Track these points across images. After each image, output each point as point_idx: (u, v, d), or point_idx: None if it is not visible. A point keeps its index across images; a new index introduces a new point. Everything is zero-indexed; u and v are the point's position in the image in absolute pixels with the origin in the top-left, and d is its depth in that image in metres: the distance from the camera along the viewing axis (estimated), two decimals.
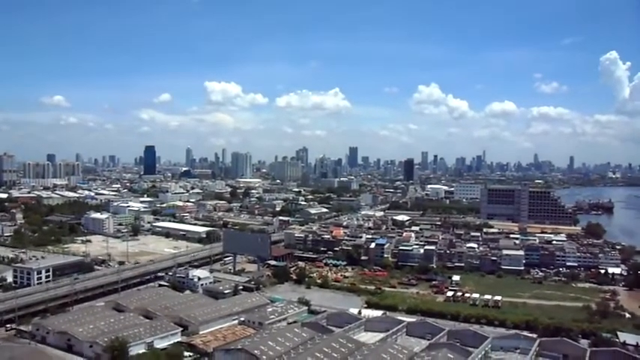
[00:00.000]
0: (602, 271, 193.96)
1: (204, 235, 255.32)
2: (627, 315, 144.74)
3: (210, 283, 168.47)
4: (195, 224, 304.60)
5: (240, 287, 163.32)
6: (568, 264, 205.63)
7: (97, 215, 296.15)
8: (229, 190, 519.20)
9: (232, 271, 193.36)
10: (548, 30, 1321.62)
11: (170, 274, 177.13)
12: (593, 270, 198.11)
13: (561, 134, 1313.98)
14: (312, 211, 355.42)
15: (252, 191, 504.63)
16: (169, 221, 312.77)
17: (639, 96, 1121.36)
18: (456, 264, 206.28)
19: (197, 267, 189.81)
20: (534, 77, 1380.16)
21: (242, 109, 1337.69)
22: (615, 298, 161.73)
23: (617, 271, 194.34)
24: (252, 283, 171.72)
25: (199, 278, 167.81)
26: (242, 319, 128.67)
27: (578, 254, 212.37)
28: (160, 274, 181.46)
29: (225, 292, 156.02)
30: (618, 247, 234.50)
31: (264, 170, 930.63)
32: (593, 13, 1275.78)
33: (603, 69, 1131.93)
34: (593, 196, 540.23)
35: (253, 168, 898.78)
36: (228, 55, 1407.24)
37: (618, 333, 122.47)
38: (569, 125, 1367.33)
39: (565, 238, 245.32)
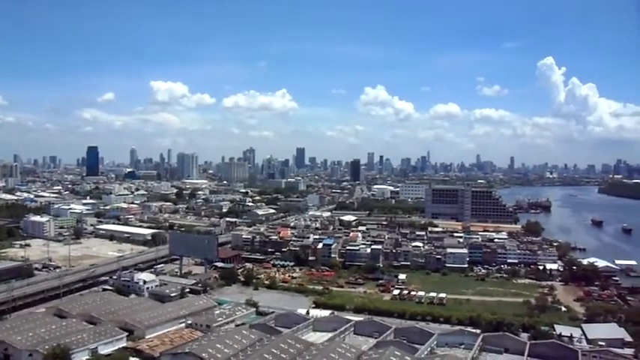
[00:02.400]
0: (541, 268, 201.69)
1: (150, 238, 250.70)
2: (563, 308, 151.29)
3: (156, 286, 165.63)
4: (140, 226, 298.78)
5: (187, 290, 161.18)
6: (509, 261, 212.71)
7: (37, 218, 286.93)
8: (175, 191, 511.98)
9: (179, 273, 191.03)
10: (489, 35, 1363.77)
11: (114, 277, 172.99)
12: (532, 266, 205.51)
13: (502, 136, 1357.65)
14: (260, 212, 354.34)
15: (199, 192, 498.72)
16: (113, 224, 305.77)
17: (573, 100, 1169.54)
18: (402, 263, 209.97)
19: (142, 270, 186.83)
20: (477, 80, 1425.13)
21: (188, 109, 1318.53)
22: (553, 293, 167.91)
23: (555, 267, 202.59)
24: (200, 285, 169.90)
25: (145, 282, 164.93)
26: (189, 322, 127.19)
27: (519, 251, 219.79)
28: (103, 278, 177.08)
29: (172, 295, 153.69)
30: (555, 244, 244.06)
31: (210, 171, 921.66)
32: (530, 20, 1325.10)
33: (540, 74, 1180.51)
34: (532, 196, 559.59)
35: (200, 169, 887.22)
36: (175, 54, 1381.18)
37: (555, 326, 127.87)
38: (509, 127, 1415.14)
39: (506, 236, 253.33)
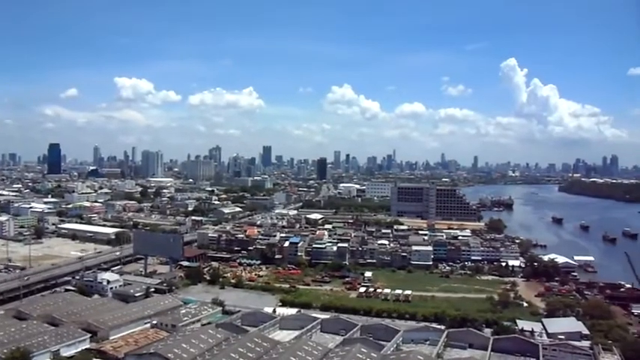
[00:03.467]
0: (504, 264, 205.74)
1: (114, 237, 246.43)
2: (525, 304, 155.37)
3: (121, 286, 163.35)
4: (103, 225, 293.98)
5: (152, 290, 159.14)
6: (473, 258, 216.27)
7: None
8: (140, 189, 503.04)
9: (144, 273, 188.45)
10: (454, 36, 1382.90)
11: (77, 278, 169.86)
12: (495, 263, 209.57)
13: (466, 135, 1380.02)
14: (226, 210, 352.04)
15: (164, 191, 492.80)
16: (76, 223, 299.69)
17: (535, 100, 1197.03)
18: (368, 260, 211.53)
19: (106, 270, 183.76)
20: (442, 80, 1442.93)
21: (154, 106, 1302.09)
22: (515, 289, 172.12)
23: (517, 263, 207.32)
24: (165, 285, 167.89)
25: (109, 281, 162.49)
26: (154, 322, 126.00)
27: (482, 248, 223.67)
28: (66, 278, 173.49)
29: (137, 295, 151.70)
30: (517, 241, 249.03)
31: (176, 169, 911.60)
32: (494, 22, 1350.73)
33: (504, 74, 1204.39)
34: (495, 194, 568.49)
35: (165, 167, 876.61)
36: (140, 50, 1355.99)
37: (517, 321, 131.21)
38: (473, 126, 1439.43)
39: (470, 234, 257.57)
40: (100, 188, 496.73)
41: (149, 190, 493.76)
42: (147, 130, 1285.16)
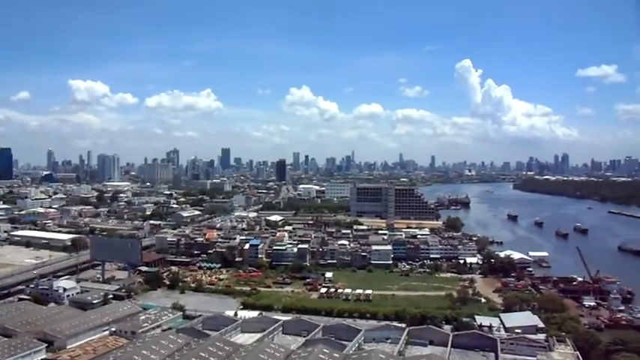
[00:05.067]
0: (462, 261, 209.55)
1: (70, 243, 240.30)
2: (483, 300, 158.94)
3: (78, 293, 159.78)
4: (59, 232, 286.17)
5: (111, 296, 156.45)
6: (432, 256, 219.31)
7: None
8: (96, 194, 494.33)
9: (101, 279, 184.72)
10: (410, 38, 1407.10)
11: (31, 286, 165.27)
12: (453, 260, 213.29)
13: (423, 135, 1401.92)
14: (185, 214, 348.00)
15: (121, 195, 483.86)
16: (29, 229, 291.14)
17: (489, 101, 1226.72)
18: (329, 261, 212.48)
19: (62, 277, 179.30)
20: (399, 82, 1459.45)
21: (110, 109, 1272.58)
22: (473, 286, 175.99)
23: (474, 260, 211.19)
24: (123, 291, 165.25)
25: (65, 289, 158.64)
26: (113, 329, 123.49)
27: (440, 247, 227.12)
28: (19, 287, 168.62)
29: (94, 302, 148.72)
30: (475, 238, 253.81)
31: (133, 173, 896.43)
32: (448, 24, 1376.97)
33: (459, 75, 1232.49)
34: (452, 193, 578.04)
35: (122, 171, 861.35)
36: (95, 52, 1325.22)
37: (476, 316, 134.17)
38: (430, 127, 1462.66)
39: (428, 232, 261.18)
40: (55, 193, 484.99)
41: (106, 195, 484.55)
42: (103, 133, 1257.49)
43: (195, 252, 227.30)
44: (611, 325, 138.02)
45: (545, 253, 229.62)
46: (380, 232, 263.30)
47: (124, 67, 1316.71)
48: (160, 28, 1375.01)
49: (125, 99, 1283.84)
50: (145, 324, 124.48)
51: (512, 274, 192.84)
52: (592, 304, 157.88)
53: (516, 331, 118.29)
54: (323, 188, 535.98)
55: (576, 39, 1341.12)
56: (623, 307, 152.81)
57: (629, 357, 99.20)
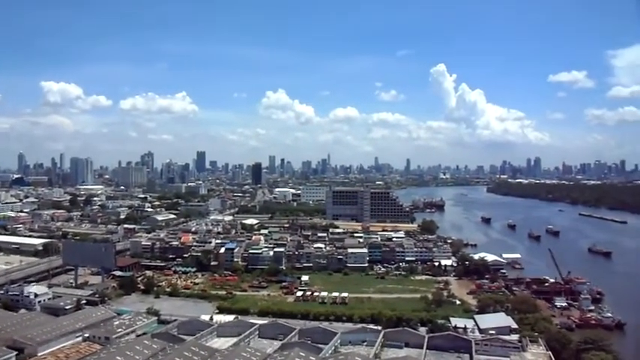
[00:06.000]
0: (437, 264, 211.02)
1: (41, 248, 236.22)
2: (458, 302, 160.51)
3: (50, 299, 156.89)
4: (30, 236, 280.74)
5: (84, 301, 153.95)
6: (407, 259, 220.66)
7: None
8: (69, 198, 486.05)
9: (74, 284, 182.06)
10: (386, 42, 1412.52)
11: (1, 292, 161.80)
12: (428, 263, 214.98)
13: (399, 138, 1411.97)
14: (160, 217, 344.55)
15: (95, 199, 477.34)
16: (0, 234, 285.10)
17: (463, 105, 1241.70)
18: (305, 264, 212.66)
19: (33, 283, 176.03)
20: (375, 85, 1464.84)
21: (83, 111, 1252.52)
22: (448, 288, 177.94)
23: (449, 262, 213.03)
24: (97, 296, 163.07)
25: (36, 295, 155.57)
26: (86, 335, 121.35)
27: (416, 249, 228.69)
28: None
29: (67, 307, 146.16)
30: (449, 241, 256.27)
31: (107, 176, 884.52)
32: (423, 28, 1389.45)
33: (433, 80, 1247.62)
34: (427, 196, 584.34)
35: (95, 174, 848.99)
36: (69, 53, 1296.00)
37: (451, 318, 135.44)
38: (405, 130, 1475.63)
39: (403, 235, 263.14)
40: (26, 197, 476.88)
41: (79, 199, 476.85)
42: (76, 136, 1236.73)
43: (171, 256, 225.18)
44: (582, 325, 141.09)
45: (518, 255, 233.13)
46: (356, 235, 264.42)
47: (98, 68, 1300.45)
48: (134, 30, 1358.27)
49: (99, 101, 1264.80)
50: (119, 329, 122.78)
51: (486, 276, 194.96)
52: (563, 304, 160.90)
53: (490, 332, 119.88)
54: (299, 192, 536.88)
55: (547, 45, 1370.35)
56: (593, 307, 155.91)
57: (598, 355, 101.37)
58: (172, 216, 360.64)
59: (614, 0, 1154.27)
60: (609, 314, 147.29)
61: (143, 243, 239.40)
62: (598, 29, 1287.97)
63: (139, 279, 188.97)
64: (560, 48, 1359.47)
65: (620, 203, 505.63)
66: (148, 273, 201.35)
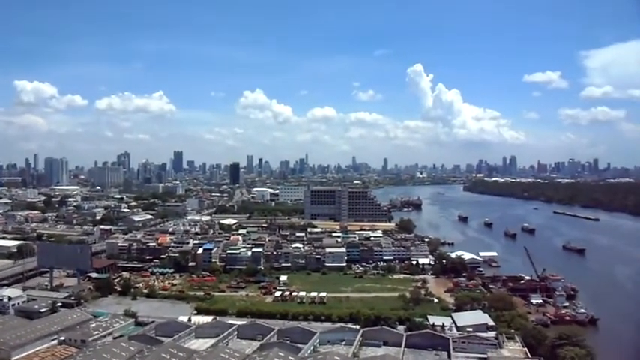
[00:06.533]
0: (414, 262, 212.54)
1: (15, 250, 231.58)
2: (435, 300, 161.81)
3: (24, 302, 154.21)
4: (3, 238, 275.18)
5: (59, 304, 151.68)
6: (385, 258, 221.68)
7: None
8: (43, 199, 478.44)
9: (49, 287, 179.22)
10: (363, 42, 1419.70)
11: None
12: (406, 262, 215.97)
13: (376, 138, 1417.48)
14: (136, 218, 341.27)
15: (70, 199, 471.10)
16: None
17: (440, 105, 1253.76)
18: (283, 264, 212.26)
19: (7, 285, 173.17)
20: (353, 85, 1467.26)
21: (58, 111, 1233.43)
22: (425, 286, 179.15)
23: (427, 261, 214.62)
24: (73, 298, 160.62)
25: (10, 298, 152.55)
26: (62, 338, 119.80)
27: (394, 248, 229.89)
28: None
29: (42, 310, 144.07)
30: (427, 239, 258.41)
31: (82, 177, 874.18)
32: (400, 28, 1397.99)
33: (410, 80, 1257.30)
34: (405, 195, 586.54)
35: (70, 174, 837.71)
36: (43, 52, 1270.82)
37: (428, 316, 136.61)
38: (383, 130, 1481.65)
39: (381, 234, 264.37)
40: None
41: (54, 200, 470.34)
42: (50, 136, 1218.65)
43: (148, 257, 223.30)
44: (557, 321, 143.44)
45: (494, 253, 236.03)
46: (334, 234, 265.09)
47: (73, 67, 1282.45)
48: (110, 29, 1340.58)
49: (74, 101, 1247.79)
50: (96, 332, 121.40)
51: (464, 274, 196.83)
52: (539, 301, 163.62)
53: (468, 329, 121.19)
54: (277, 191, 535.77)
55: (522, 45, 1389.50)
56: (567, 304, 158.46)
57: (572, 350, 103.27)
58: (149, 216, 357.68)
59: (587, 2, 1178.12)
60: (583, 310, 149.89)
61: (120, 244, 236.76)
62: (572, 30, 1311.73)
63: (116, 280, 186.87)
64: (534, 48, 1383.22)
65: (593, 201, 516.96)
66: (125, 274, 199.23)
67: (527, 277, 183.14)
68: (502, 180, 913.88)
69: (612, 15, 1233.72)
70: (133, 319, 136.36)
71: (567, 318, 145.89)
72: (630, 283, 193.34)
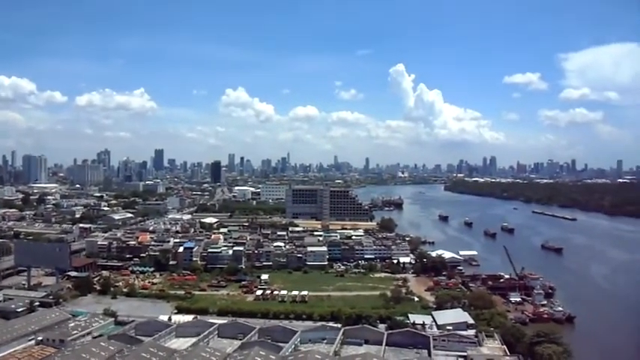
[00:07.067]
0: (395, 261, 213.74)
1: None
2: (416, 298, 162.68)
3: (0, 301, 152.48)
4: None
5: (37, 303, 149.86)
6: (366, 256, 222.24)
7: None
8: (21, 196, 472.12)
9: (27, 286, 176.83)
10: (345, 41, 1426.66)
11: None
12: (387, 261, 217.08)
13: (358, 137, 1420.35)
14: (116, 216, 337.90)
15: (48, 197, 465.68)
16: None
17: (421, 105, 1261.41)
18: (265, 263, 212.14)
19: None
20: (335, 84, 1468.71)
21: (36, 107, 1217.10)
22: (406, 285, 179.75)
23: (407, 260, 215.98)
24: (51, 297, 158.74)
25: None
26: (40, 338, 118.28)
27: (375, 247, 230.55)
28: None
29: (19, 310, 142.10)
30: (407, 238, 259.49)
31: (61, 174, 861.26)
32: (382, 28, 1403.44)
33: (392, 80, 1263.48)
34: (386, 194, 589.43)
35: (49, 172, 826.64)
36: (21, 47, 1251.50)
37: (409, 315, 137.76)
38: (364, 129, 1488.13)
39: (363, 233, 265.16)
40: None
41: (32, 197, 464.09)
42: (28, 132, 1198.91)
43: (128, 256, 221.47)
44: (535, 319, 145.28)
45: (474, 252, 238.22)
46: (315, 233, 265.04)
47: (53, 63, 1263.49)
48: (91, 24, 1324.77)
49: (53, 97, 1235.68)
50: (75, 331, 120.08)
51: (444, 273, 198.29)
52: (518, 299, 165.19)
53: (448, 328, 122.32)
54: (258, 190, 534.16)
55: (503, 47, 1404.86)
56: (545, 302, 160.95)
57: (550, 347, 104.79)
58: (129, 215, 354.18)
59: (566, 6, 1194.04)
60: (560, 308, 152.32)
61: (99, 242, 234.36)
62: (551, 33, 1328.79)
63: (95, 279, 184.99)
64: (515, 50, 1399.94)
65: (570, 201, 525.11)
66: (105, 273, 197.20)
67: (507, 276, 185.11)
68: (482, 180, 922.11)
69: (589, 19, 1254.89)
70: (113, 319, 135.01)
71: (545, 316, 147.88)
72: (606, 282, 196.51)
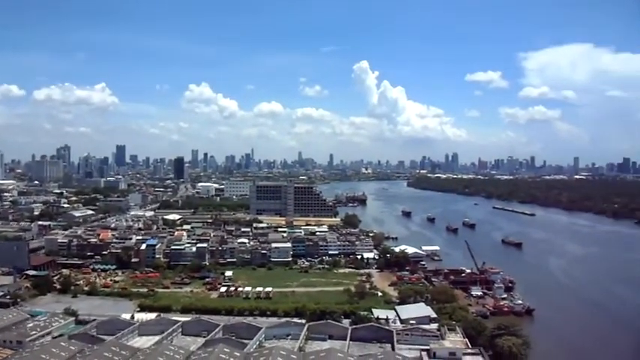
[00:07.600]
0: (359, 257, 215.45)
1: None
2: (379, 293, 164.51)
3: None
4: None
5: None
6: (330, 252, 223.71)
7: None
8: None
9: None
10: (310, 38, 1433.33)
11: None
12: (351, 256, 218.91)
13: (322, 134, 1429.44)
14: (77, 213, 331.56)
15: (5, 194, 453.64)
16: None
17: (385, 102, 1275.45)
18: (229, 260, 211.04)
19: None
20: (299, 80, 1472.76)
21: None
22: (370, 280, 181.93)
23: (371, 255, 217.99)
24: (8, 297, 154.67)
25: None
26: None
27: (339, 243, 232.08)
28: None
29: None
30: (371, 234, 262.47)
31: (19, 170, 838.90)
32: (346, 26, 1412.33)
33: (356, 76, 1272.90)
34: (350, 190, 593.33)
35: (6, 168, 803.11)
36: None
37: (373, 310, 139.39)
38: (329, 126, 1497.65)
39: (327, 229, 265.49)
40: None
41: None
42: None
43: (89, 253, 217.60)
44: (496, 312, 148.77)
45: (436, 247, 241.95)
46: (279, 229, 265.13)
47: (9, 56, 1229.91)
48: (50, 17, 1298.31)
49: (10, 91, 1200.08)
50: (33, 332, 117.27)
51: (407, 268, 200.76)
52: (479, 293, 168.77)
53: (411, 322, 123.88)
54: (222, 186, 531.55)
55: (465, 45, 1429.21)
56: (505, 295, 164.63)
57: (510, 340, 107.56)
58: (90, 212, 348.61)
59: (527, 6, 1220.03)
60: (520, 301, 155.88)
61: (59, 240, 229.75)
62: (511, 33, 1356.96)
63: (55, 278, 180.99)
64: (476, 49, 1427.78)
65: (530, 197, 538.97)
66: (65, 272, 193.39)
67: (468, 271, 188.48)
68: (444, 176, 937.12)
69: (549, 19, 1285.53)
70: (74, 318, 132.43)
71: (505, 309, 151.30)
72: (563, 275, 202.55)
